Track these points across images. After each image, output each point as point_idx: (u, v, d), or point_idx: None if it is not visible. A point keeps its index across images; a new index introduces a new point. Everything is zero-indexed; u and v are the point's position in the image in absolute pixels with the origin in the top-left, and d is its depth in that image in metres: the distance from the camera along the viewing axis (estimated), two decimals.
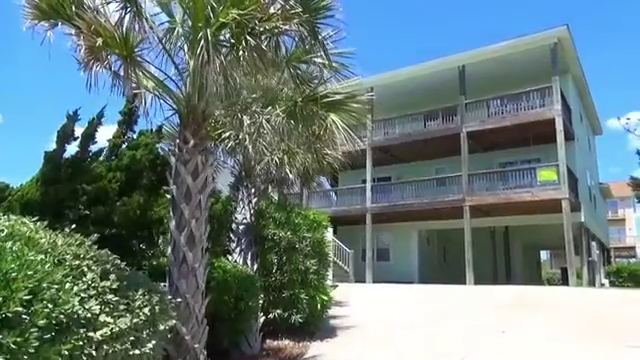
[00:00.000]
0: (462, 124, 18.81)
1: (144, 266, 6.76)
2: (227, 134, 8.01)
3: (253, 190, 9.15)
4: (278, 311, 7.76)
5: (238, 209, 8.65)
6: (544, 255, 46.47)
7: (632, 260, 39.15)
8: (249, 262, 7.98)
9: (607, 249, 28.42)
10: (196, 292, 4.98)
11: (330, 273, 16.24)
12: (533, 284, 23.96)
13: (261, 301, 7.56)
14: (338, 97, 5.51)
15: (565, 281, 18.02)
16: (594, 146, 26.80)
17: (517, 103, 17.88)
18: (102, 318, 3.45)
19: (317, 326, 8.50)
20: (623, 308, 10.70)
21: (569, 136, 18.14)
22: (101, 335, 3.36)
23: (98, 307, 3.47)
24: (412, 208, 19.57)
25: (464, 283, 17.53)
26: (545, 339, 7.89)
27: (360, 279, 19.80)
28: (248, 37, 4.04)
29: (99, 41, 3.71)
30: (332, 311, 11.20)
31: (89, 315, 3.37)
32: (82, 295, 3.46)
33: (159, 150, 6.29)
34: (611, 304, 11.35)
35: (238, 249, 8.16)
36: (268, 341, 7.75)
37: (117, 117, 7.50)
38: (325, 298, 7.80)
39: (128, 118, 7.49)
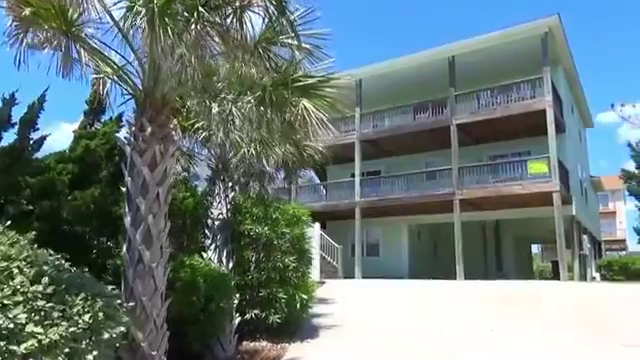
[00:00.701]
0: (452, 116, 18.43)
1: (108, 265, 6.32)
2: (200, 124, 7.58)
3: (231, 184, 8.71)
4: (255, 311, 7.36)
5: (214, 204, 8.21)
6: (535, 248, 46.44)
7: (623, 253, 39.25)
8: (224, 259, 7.54)
9: (599, 242, 28.30)
10: (154, 294, 4.54)
11: (316, 270, 15.92)
12: (524, 278, 23.74)
13: (237, 301, 7.15)
14: (310, 81, 5.06)
15: (556, 275, 17.78)
16: (585, 139, 26.55)
17: (507, 94, 17.52)
18: (30, 328, 3.01)
19: (297, 326, 8.11)
20: (617, 303, 10.41)
21: (560, 128, 17.82)
22: (26, 348, 2.92)
23: (25, 315, 3.04)
24: (401, 202, 19.20)
25: (455, 278, 17.24)
26: (535, 337, 7.56)
27: (349, 275, 19.43)
28: (202, 9, 3.59)
29: (27, 11, 3.25)
30: (316, 309, 10.81)
31: (12, 325, 2.94)
32: (6, 302, 3.02)
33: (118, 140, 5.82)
34: (604, 299, 11.06)
35: (213, 246, 7.71)
36: (245, 343, 7.35)
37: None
38: (305, 297, 7.39)
39: (94, 107, 7.01)
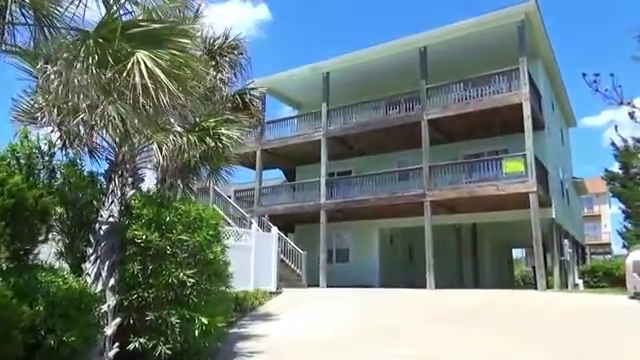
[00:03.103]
0: (423, 111, 17.03)
1: None
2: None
3: (131, 180, 7.17)
4: (141, 339, 5.79)
5: (106, 204, 6.67)
6: (519, 252, 45.31)
7: (608, 256, 38.22)
8: (105, 273, 5.98)
9: (582, 247, 27.11)
10: None
11: (272, 279, 14.35)
12: (504, 284, 22.45)
13: (112, 329, 5.60)
14: (156, 27, 3.56)
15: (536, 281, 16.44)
16: (567, 138, 25.38)
17: (482, 87, 16.18)
18: None
19: (210, 354, 6.57)
20: (593, 323, 9.02)
21: (538, 124, 16.53)
22: None
23: None
24: (369, 204, 17.74)
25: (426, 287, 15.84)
26: None
27: (315, 283, 17.91)
28: None
29: None
30: (251, 328, 9.38)
31: None
32: None
33: None
34: (580, 317, 9.67)
35: (94, 256, 6.16)
36: None
37: None
38: (205, 322, 5.84)
39: None
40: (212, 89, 8.44)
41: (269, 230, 16.45)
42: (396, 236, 22.25)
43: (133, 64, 3.34)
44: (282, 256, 17.38)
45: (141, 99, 3.38)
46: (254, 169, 21.49)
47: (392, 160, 19.84)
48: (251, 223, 16.61)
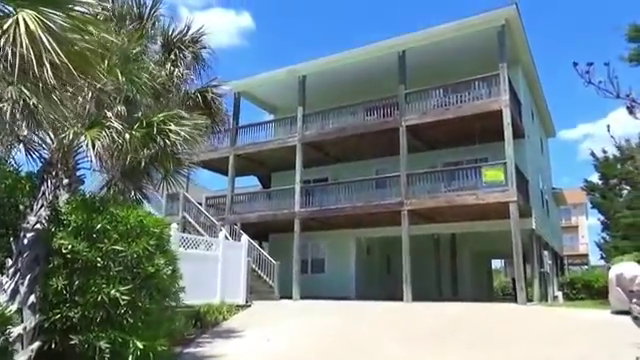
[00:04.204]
0: (402, 117, 16.47)
1: None
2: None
3: (67, 181, 6.36)
4: None
5: (35, 208, 5.84)
6: (498, 262, 45.17)
7: (585, 267, 38.31)
8: (24, 289, 5.15)
9: (561, 258, 26.89)
10: None
11: (240, 291, 13.47)
12: (483, 296, 21.98)
13: (27, 355, 4.77)
14: None
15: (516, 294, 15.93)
16: (547, 148, 25.19)
17: (461, 93, 15.70)
18: None
19: None
20: (576, 342, 8.45)
21: (518, 132, 16.14)
22: None
23: None
24: (345, 213, 17.05)
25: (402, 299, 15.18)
26: None
27: (288, 295, 17.09)
28: None
29: None
30: (209, 347, 8.54)
31: None
32: None
33: None
34: (574, 332, 9.09)
35: (13, 269, 5.32)
36: None
37: None
38: (140, 346, 5.05)
39: None
40: (167, 84, 7.69)
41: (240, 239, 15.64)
42: (373, 246, 21.61)
43: (10, 26, 2.59)
44: (254, 266, 16.56)
45: (16, 70, 2.62)
46: (227, 175, 20.63)
47: (370, 167, 19.24)
48: (220, 231, 15.78)
